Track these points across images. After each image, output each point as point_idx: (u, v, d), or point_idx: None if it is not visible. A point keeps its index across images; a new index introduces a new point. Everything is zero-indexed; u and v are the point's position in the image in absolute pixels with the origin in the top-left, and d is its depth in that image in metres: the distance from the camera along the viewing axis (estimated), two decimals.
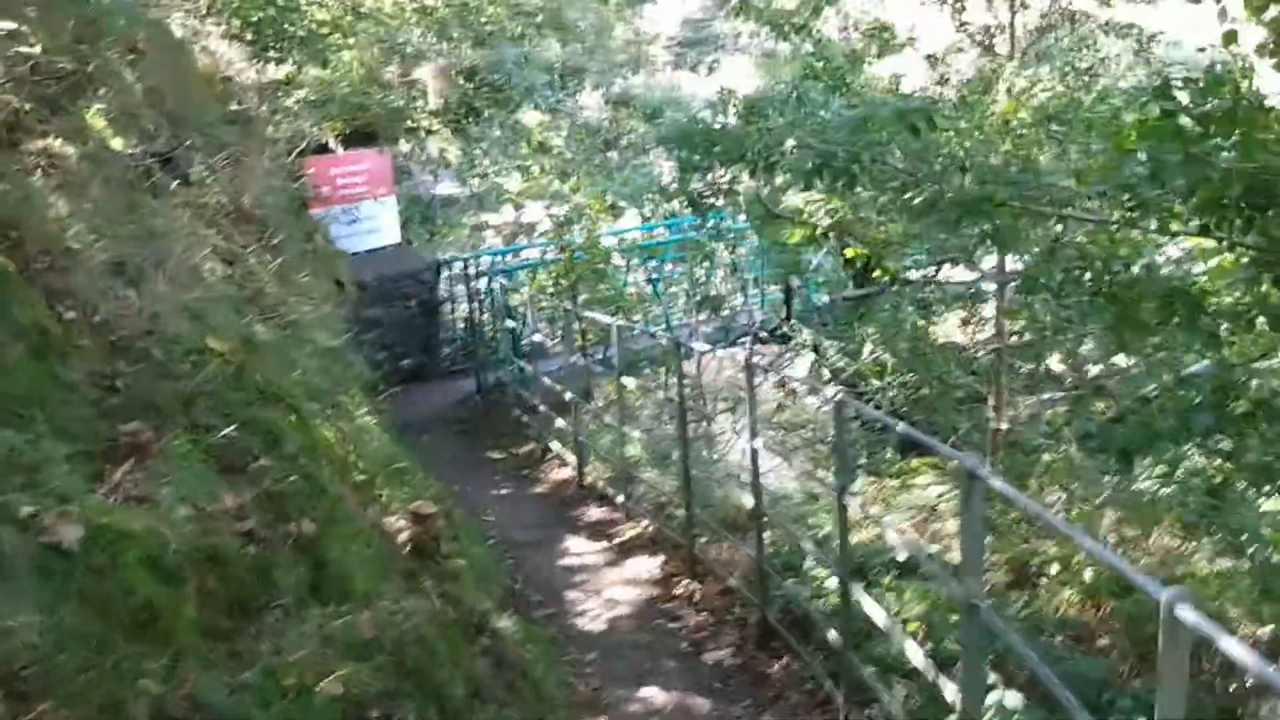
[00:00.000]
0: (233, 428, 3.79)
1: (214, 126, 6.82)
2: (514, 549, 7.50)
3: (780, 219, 9.81)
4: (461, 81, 13.18)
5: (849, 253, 6.60)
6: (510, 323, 11.19)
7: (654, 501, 7.78)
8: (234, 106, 7.43)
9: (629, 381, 7.93)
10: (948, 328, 10.51)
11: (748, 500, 5.69)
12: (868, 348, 7.60)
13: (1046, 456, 6.75)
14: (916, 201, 5.25)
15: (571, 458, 9.03)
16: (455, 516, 6.41)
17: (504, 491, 9.07)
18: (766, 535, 5.60)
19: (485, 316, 12.93)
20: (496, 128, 15.70)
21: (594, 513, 8.21)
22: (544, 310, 12.56)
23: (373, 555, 4.15)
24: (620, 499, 7.85)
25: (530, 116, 17.48)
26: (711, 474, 7.38)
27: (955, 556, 6.26)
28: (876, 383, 7.44)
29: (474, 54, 13.46)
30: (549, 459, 9.65)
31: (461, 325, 13.60)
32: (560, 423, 9.25)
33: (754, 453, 5.28)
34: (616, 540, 7.37)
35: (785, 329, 12.57)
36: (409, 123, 13.49)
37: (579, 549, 7.49)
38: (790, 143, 5.76)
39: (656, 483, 7.97)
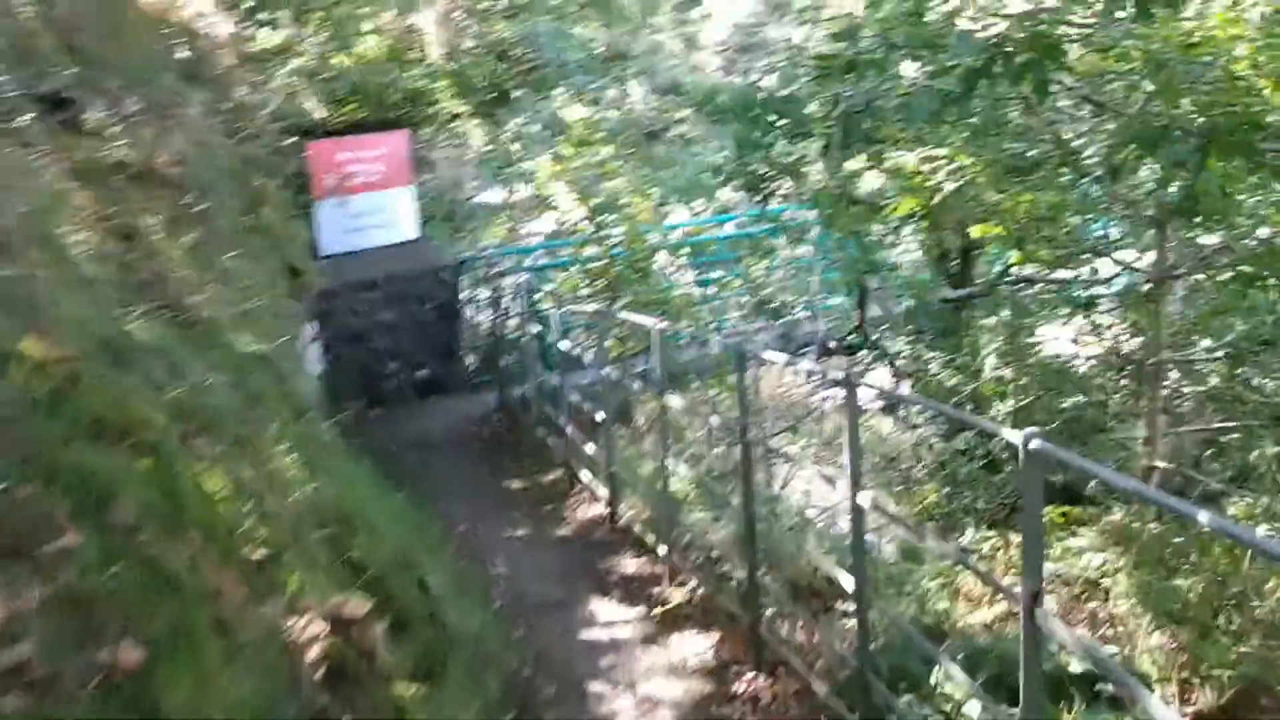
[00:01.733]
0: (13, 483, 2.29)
1: (147, 75, 5.33)
2: (527, 612, 5.87)
3: (860, 205, 8.08)
4: (488, 56, 11.67)
5: (977, 231, 4.95)
6: (536, 329, 9.62)
7: (704, 552, 6.13)
8: (183, 56, 5.94)
9: (675, 401, 6.26)
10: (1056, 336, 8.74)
11: (843, 577, 4.00)
12: (989, 362, 5.85)
13: (1235, 507, 4.97)
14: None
15: (603, 491, 7.41)
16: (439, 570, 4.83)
17: (521, 532, 7.45)
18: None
19: (511, 321, 11.36)
20: (532, 121, 14.18)
21: (629, 564, 6.55)
22: (576, 315, 10.95)
23: (252, 694, 2.56)
24: (662, 549, 6.20)
25: (572, 111, 16.00)
26: (781, 519, 5.70)
27: (1142, 661, 4.53)
28: (1000, 406, 5.70)
29: (505, 26, 11.94)
30: (577, 490, 8.02)
31: (486, 331, 12.06)
32: (591, 449, 7.63)
33: (858, 512, 3.60)
34: (657, 607, 5.71)
35: (858, 338, 10.85)
36: (430, 107, 12.00)
37: (609, 615, 5.84)
38: (912, 69, 4.09)
39: (708, 529, 6.31)
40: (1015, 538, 5.58)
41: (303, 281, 5.19)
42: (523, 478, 8.62)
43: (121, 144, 4.39)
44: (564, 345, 8.32)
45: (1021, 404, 5.65)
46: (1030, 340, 6.80)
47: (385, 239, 11.38)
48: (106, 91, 4.62)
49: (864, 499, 3.63)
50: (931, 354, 7.29)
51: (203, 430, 3.24)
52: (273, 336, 4.29)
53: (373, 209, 11.29)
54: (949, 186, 4.93)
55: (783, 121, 8.84)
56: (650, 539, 6.58)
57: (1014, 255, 8.89)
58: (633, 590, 6.11)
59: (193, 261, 4.16)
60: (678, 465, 6.26)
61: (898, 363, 9.89)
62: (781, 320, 11.60)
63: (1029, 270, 7.35)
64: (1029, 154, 5.35)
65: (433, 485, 8.56)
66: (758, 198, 8.86)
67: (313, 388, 6.08)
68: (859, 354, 11.77)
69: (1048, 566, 4.98)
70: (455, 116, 12.38)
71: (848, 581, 3.86)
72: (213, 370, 3.67)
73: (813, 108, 8.53)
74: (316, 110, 10.20)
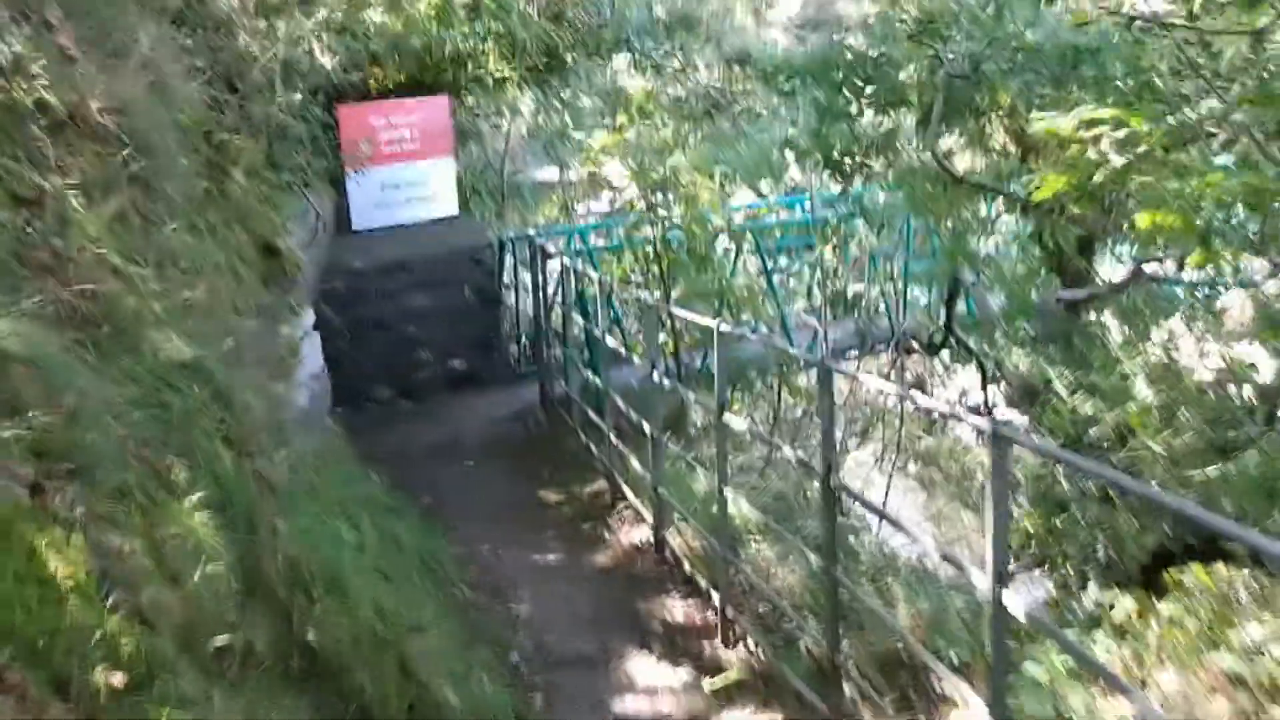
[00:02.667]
0: None
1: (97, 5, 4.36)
2: (547, 669, 4.86)
3: (961, 185, 6.89)
4: (542, 16, 10.61)
5: (1144, 220, 3.79)
6: (580, 320, 8.60)
7: (767, 601, 5.07)
8: None
9: (737, 422, 5.16)
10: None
11: (965, 689, 2.89)
12: (1137, 383, 4.66)
13: None
14: None
15: (649, 513, 6.37)
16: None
17: (552, 558, 6.44)
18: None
19: (556, 309, 10.36)
20: (588, 93, 13.12)
21: (675, 607, 5.51)
22: (627, 305, 9.90)
23: None
24: (715, 593, 5.14)
25: (631, 81, 14.89)
26: (875, 573, 4.60)
27: None
28: (1155, 446, 4.50)
29: None
30: (620, 508, 6.99)
31: (529, 319, 11.09)
32: (636, 463, 6.58)
33: (1001, 612, 2.50)
34: (708, 676, 4.65)
35: (942, 336, 9.65)
36: (477, 70, 10.99)
37: (649, 678, 4.80)
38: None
39: (773, 570, 5.25)
40: (1164, 607, 4.39)
41: (283, 264, 4.25)
42: (560, 488, 7.61)
43: (43, 82, 3.44)
44: (610, 341, 7.25)
45: (1184, 442, 4.45)
46: (1167, 351, 5.57)
47: (421, 215, 10.45)
48: (33, 14, 3.67)
49: (1012, 600, 2.52)
50: (1048, 366, 6.06)
51: (67, 482, 2.27)
52: (224, 335, 3.31)
53: (408, 181, 10.36)
54: (1116, 160, 3.75)
55: (870, 89, 7.67)
56: (701, 578, 5.53)
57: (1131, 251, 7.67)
58: (679, 645, 5.06)
59: (116, 237, 3.18)
60: (738, 497, 5.17)
61: (991, 367, 8.68)
62: (856, 316, 10.39)
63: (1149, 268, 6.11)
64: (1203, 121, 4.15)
65: (458, 495, 7.62)
66: (839, 177, 7.69)
67: (306, 392, 5.13)
68: (935, 353, 10.57)
69: (1220, 660, 3.79)
70: (503, 82, 11.36)
71: (972, 695, 2.75)
72: (116, 387, 2.70)
73: (908, 72, 7.34)
74: (347, 70, 9.24)
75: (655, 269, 8.93)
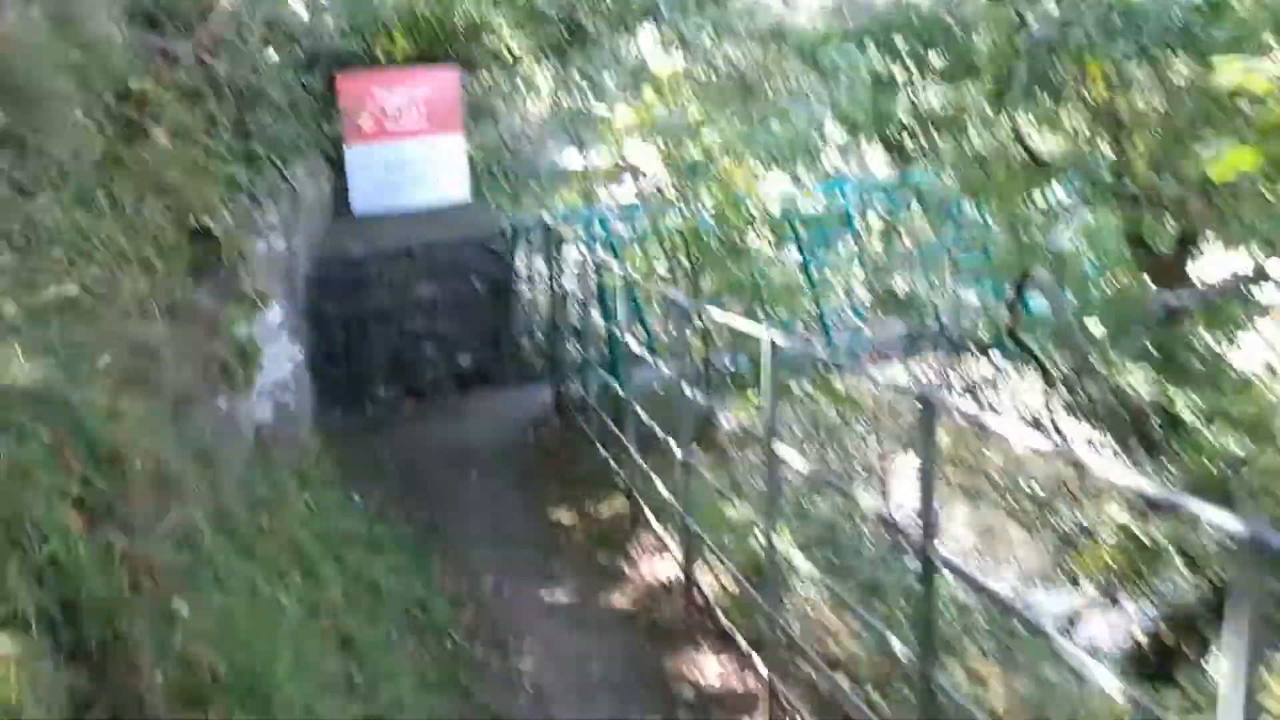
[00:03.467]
0: None
1: None
2: None
3: (1046, 167, 5.93)
4: None
5: None
6: (600, 314, 7.69)
7: (825, 670, 4.14)
8: None
9: (795, 459, 4.21)
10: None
11: None
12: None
13: None
14: None
15: (676, 544, 5.46)
16: None
17: (563, 597, 5.53)
18: None
19: (574, 303, 9.47)
20: (609, 64, 12.14)
21: (708, 667, 4.61)
22: (650, 299, 8.98)
23: None
24: (757, 655, 4.23)
25: (657, 56, 13.90)
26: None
27: None
28: None
29: None
30: (642, 533, 6.09)
31: (544, 313, 10.19)
32: (661, 483, 5.66)
33: None
34: None
35: (1001, 338, 8.68)
36: (490, 40, 10.07)
37: None
38: None
39: (831, 629, 4.33)
40: None
41: (219, 249, 3.38)
42: (575, 507, 6.71)
43: None
44: (632, 343, 6.33)
45: None
46: None
47: (428, 198, 9.55)
48: None
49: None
50: (1167, 386, 5.06)
51: None
52: (114, 343, 2.42)
53: (414, 160, 9.46)
54: None
55: (935, 58, 6.71)
56: (741, 632, 4.61)
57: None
58: None
59: None
60: (789, 541, 4.24)
61: (1061, 376, 7.70)
62: (909, 314, 9.41)
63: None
64: None
65: (459, 514, 6.74)
66: (896, 157, 6.75)
67: (270, 405, 4.25)
68: (986, 355, 9.62)
69: None
70: (520, 56, 10.43)
71: None
72: None
73: (982, 38, 6.37)
74: (347, 34, 8.38)
75: (683, 260, 8.00)
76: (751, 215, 7.92)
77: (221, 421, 3.47)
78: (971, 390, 9.85)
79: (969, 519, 8.78)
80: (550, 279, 8.70)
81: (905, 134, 6.61)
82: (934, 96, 6.61)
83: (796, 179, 11.43)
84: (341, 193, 9.21)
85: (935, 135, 6.72)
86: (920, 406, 2.64)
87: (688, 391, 5.05)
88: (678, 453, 5.12)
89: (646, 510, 6.07)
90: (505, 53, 10.38)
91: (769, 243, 9.13)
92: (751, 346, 4.76)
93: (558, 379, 8.80)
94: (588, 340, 7.72)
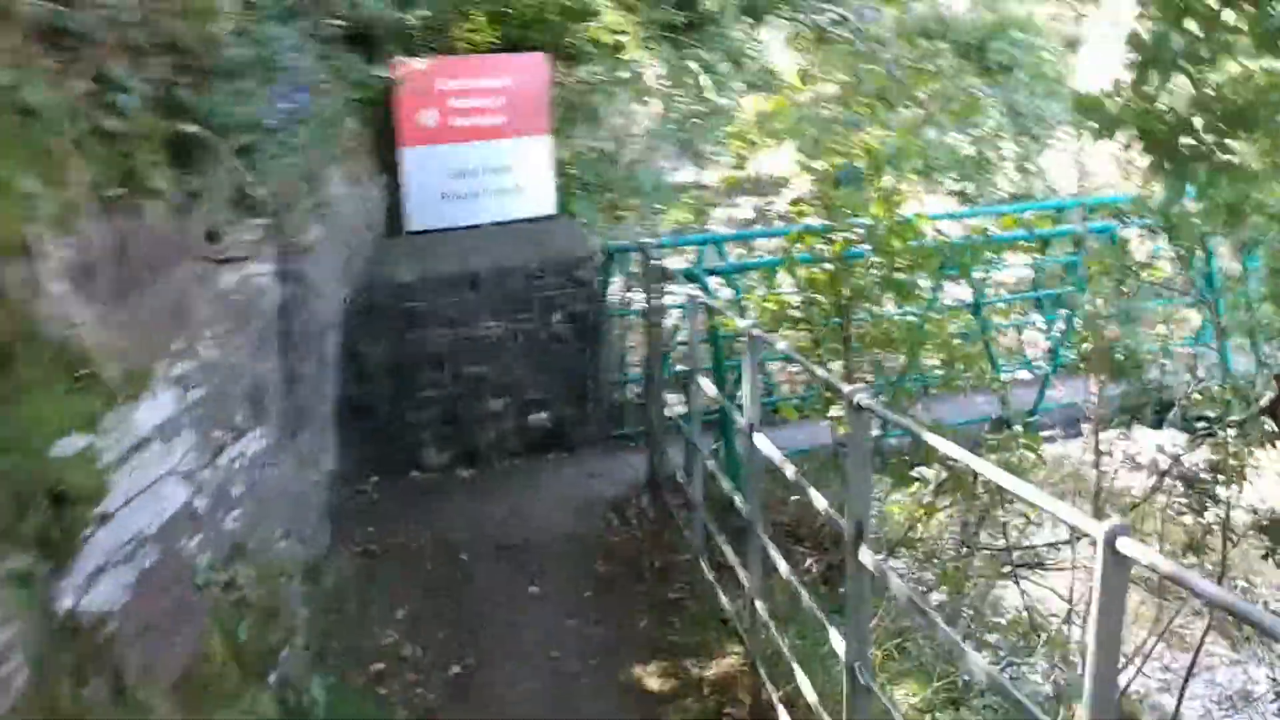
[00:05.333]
0: None
1: None
2: None
3: None
4: None
5: None
6: (709, 369, 5.65)
7: None
8: None
9: None
10: None
11: None
12: None
13: None
14: None
15: None
16: None
17: None
18: None
19: (679, 349, 7.45)
20: (734, 65, 10.14)
21: None
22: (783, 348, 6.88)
23: None
24: None
25: (782, 60, 11.84)
26: None
27: None
28: None
29: None
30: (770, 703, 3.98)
31: (641, 359, 8.22)
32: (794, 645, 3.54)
33: None
34: None
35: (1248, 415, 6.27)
36: (585, 23, 8.22)
37: None
38: None
39: None
40: None
41: None
42: (669, 662, 4.65)
43: None
44: (748, 412, 4.22)
45: None
46: None
47: (503, 212, 7.70)
48: None
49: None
50: None
51: None
52: None
53: (488, 166, 7.62)
54: None
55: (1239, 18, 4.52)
56: None
57: None
58: None
59: None
60: None
61: None
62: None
63: None
64: None
65: (508, 656, 4.77)
66: (1167, 163, 4.54)
67: (126, 579, 2.36)
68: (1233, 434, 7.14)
69: None
70: (619, 44, 8.53)
71: None
72: None
73: None
74: (404, 6, 6.62)
75: (826, 299, 5.87)
76: (921, 242, 5.74)
77: None
78: (1199, 482, 7.37)
79: None
80: (650, 317, 6.71)
81: (1181, 132, 4.39)
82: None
83: (965, 198, 9.17)
84: (395, 204, 7.44)
85: (1223, 132, 4.46)
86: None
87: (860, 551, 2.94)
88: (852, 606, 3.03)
89: (772, 688, 3.96)
90: (606, 39, 8.49)
91: (934, 278, 6.91)
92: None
93: (652, 448, 6.79)
94: (694, 399, 5.69)
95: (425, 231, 7.37)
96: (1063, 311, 7.68)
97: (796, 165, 5.59)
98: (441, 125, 7.35)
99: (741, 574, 4.31)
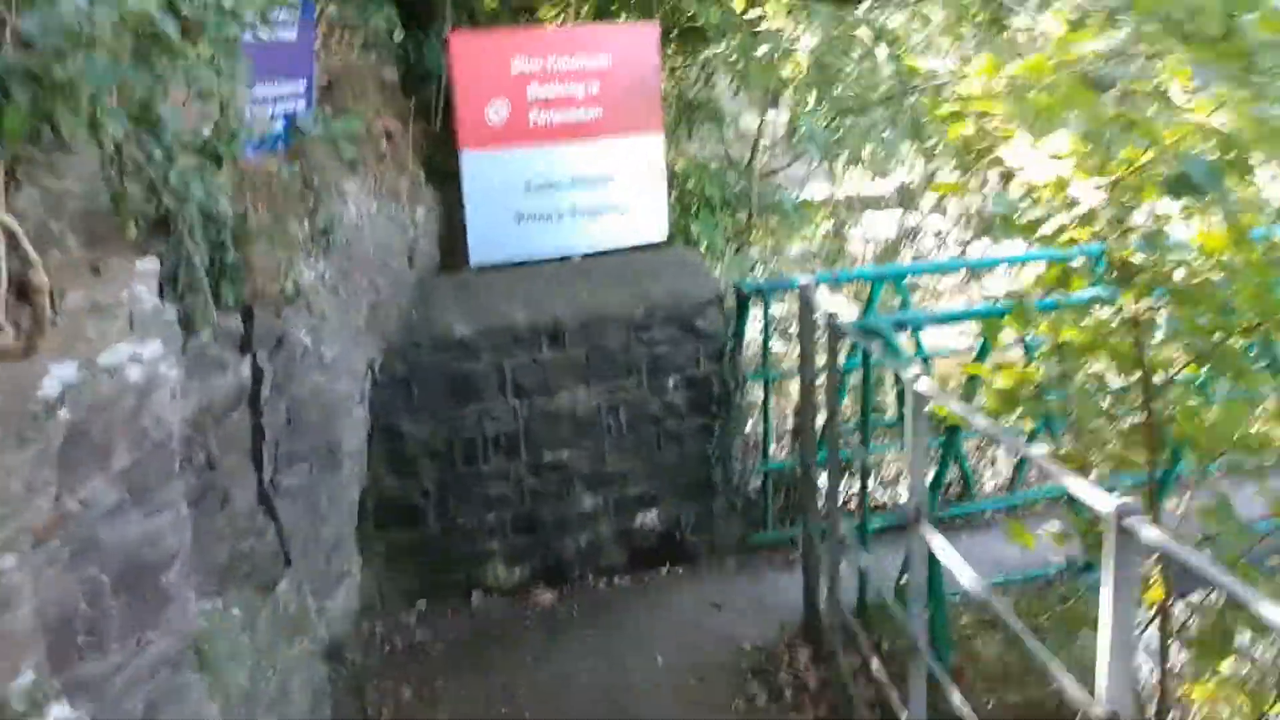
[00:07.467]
0: None
1: None
2: None
3: None
4: None
5: None
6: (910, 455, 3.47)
7: None
8: None
9: None
10: None
11: None
12: None
13: None
14: None
15: None
16: None
17: None
18: None
19: (847, 427, 5.24)
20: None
21: None
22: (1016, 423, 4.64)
23: None
24: None
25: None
26: None
27: None
28: None
29: None
30: None
31: (789, 440, 6.06)
32: None
33: None
34: None
35: None
36: None
37: None
38: None
39: None
40: None
41: None
42: None
43: None
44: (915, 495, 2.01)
45: None
46: None
47: (597, 240, 5.67)
48: None
49: None
50: None
51: None
52: None
53: (579, 179, 5.61)
54: None
55: None
56: None
57: None
58: None
59: None
60: None
61: None
62: None
63: None
64: None
65: None
66: None
67: None
68: None
69: None
70: (760, 14, 6.42)
71: None
72: None
73: None
74: None
75: (1112, 373, 3.62)
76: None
77: None
78: None
79: None
80: (808, 384, 4.56)
81: None
82: None
83: None
84: (450, 229, 5.51)
85: None
86: None
87: None
88: None
89: None
90: (741, 9, 6.41)
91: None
92: None
93: (809, 561, 4.61)
94: (868, 499, 3.52)
95: (492, 267, 5.39)
96: None
97: (1071, 161, 3.35)
98: (516, 120, 5.37)
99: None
